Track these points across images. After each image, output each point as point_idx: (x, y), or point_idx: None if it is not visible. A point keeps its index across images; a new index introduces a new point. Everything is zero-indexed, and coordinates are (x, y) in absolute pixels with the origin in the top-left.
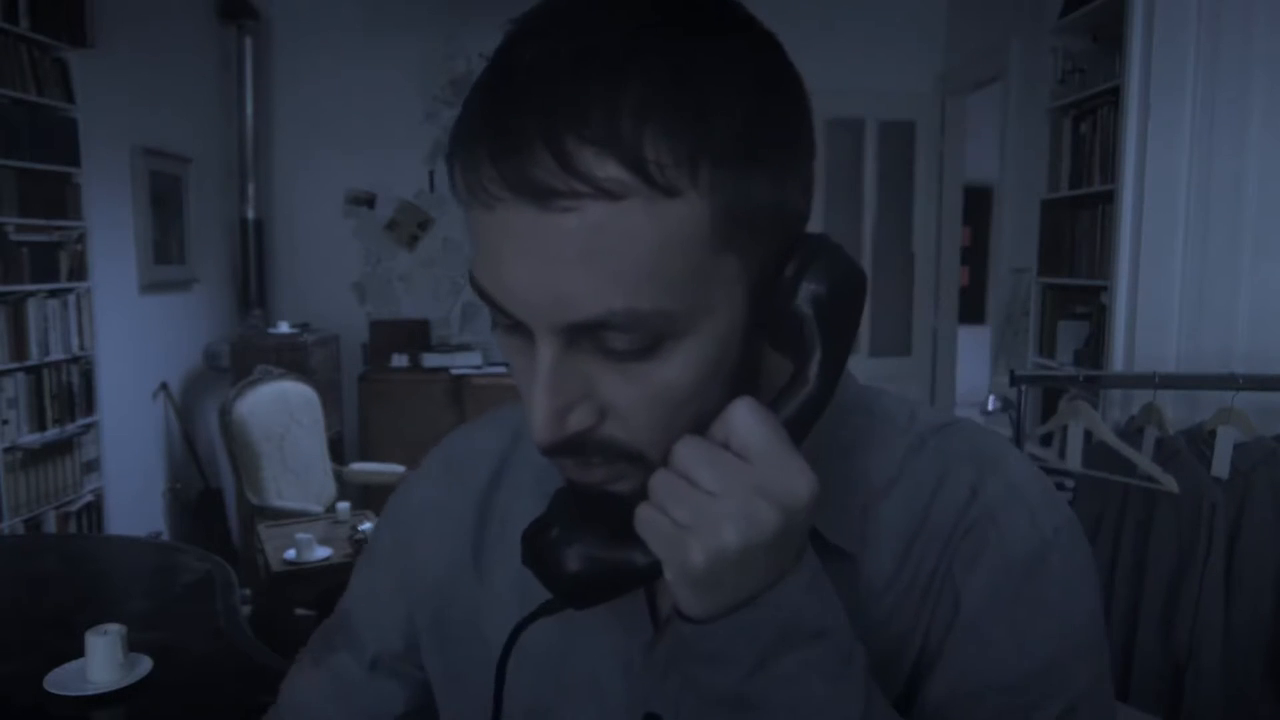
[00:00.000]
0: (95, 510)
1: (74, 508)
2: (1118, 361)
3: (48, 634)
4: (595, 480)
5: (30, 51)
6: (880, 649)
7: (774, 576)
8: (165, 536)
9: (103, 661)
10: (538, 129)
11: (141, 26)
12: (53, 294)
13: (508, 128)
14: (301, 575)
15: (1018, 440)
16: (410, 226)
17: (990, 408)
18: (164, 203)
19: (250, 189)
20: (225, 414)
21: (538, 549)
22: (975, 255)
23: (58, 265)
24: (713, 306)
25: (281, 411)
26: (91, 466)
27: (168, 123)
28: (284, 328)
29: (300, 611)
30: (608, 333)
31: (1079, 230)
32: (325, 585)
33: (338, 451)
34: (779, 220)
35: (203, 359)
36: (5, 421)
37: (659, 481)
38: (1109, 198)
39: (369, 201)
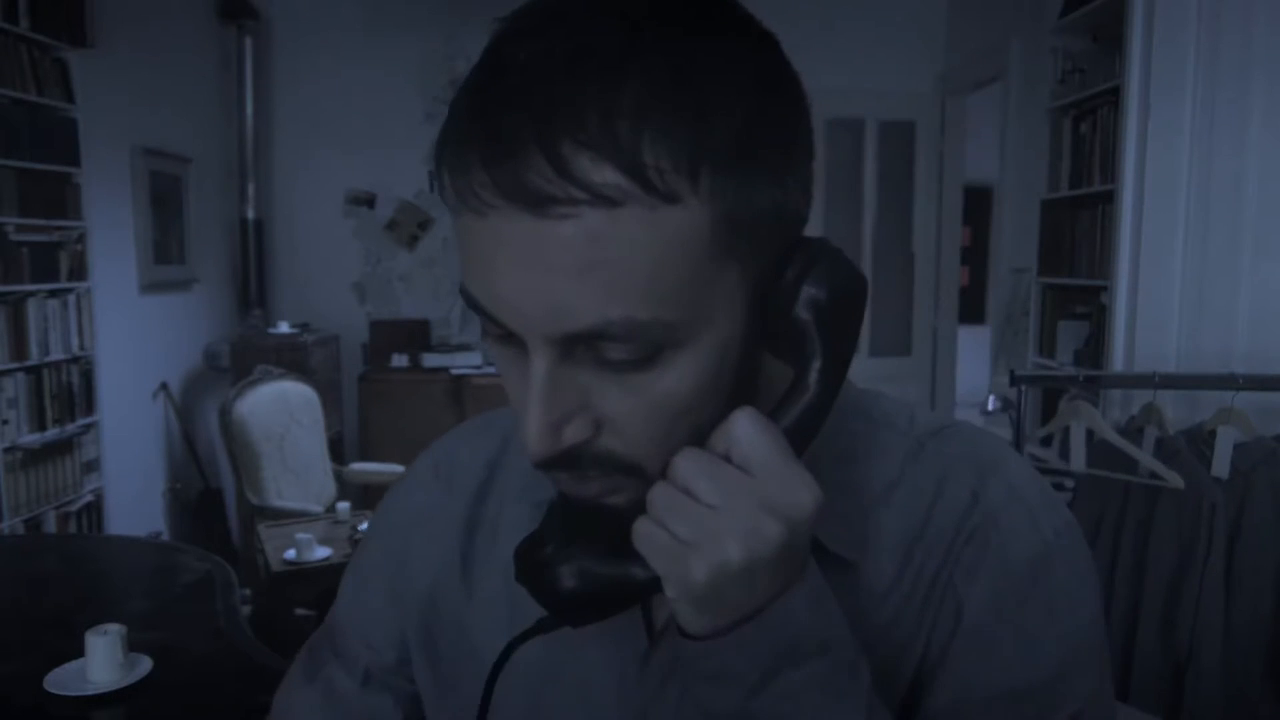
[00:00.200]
0: (95, 510)
1: (74, 508)
2: (1118, 361)
3: (48, 634)
4: (591, 494)
5: (30, 51)
6: (882, 657)
7: (777, 591)
8: (165, 536)
9: (103, 661)
10: (532, 133)
11: (141, 26)
12: (53, 294)
13: (500, 131)
14: (301, 575)
15: (1018, 440)
16: (410, 226)
17: (990, 408)
18: (164, 203)
19: (250, 189)
20: (225, 414)
21: (532, 566)
22: (975, 255)
23: (58, 265)
24: (712, 315)
25: (281, 411)
26: (91, 466)
27: (168, 123)
28: (284, 328)
29: (300, 611)
30: (605, 343)
31: (1079, 230)
32: (325, 585)
33: (338, 451)
34: (779, 225)
35: (203, 359)
36: (5, 421)
37: (658, 495)
38: (1109, 198)
39: (369, 201)
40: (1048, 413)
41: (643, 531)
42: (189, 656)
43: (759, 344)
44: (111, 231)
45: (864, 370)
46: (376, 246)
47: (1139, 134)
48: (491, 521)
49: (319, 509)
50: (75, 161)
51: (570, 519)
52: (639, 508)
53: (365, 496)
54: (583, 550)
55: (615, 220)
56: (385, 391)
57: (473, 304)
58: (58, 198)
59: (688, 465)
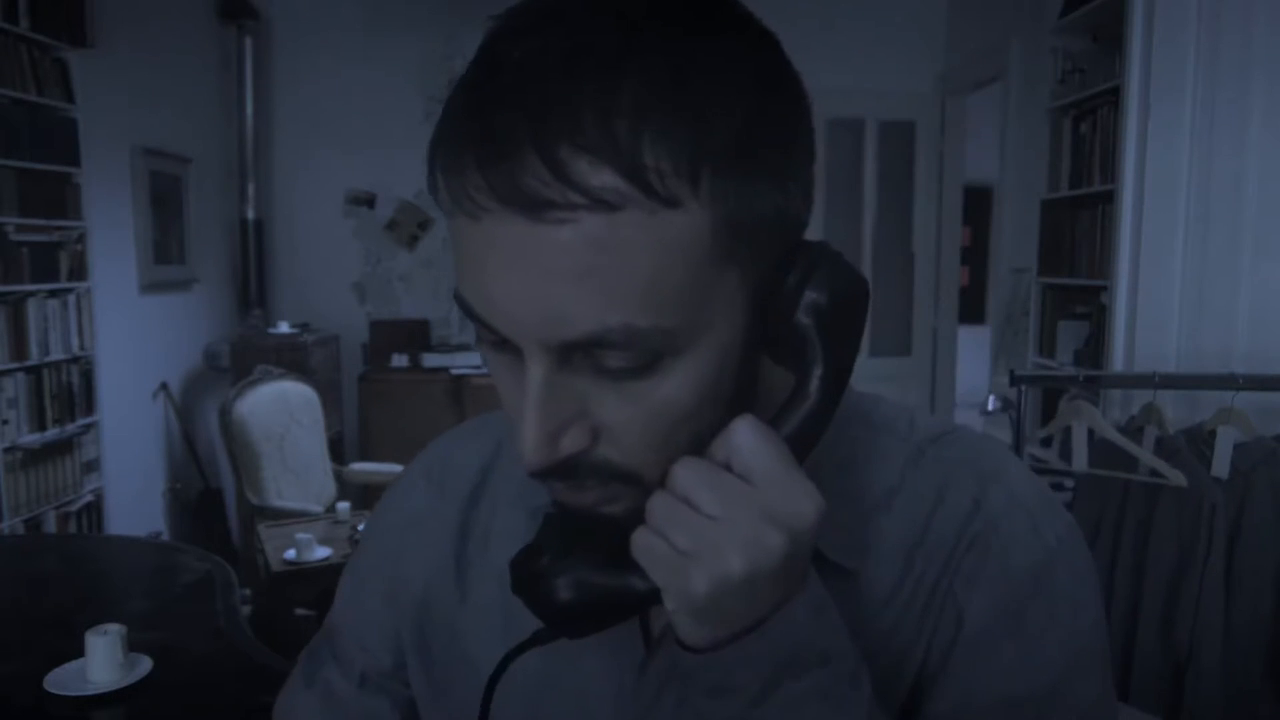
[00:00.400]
0: (95, 510)
1: (74, 508)
2: (1118, 361)
3: (48, 634)
4: (587, 502)
5: (30, 51)
6: (881, 665)
7: (778, 601)
8: (165, 536)
9: (103, 661)
10: (528, 134)
11: (141, 26)
12: (53, 294)
13: (495, 133)
14: (301, 575)
15: (1018, 440)
16: (410, 226)
17: (990, 408)
18: (164, 203)
19: (250, 189)
20: (225, 414)
21: (528, 577)
22: (975, 255)
23: (58, 265)
24: (712, 321)
25: (281, 411)
26: (91, 466)
27: (168, 123)
28: (284, 328)
29: (300, 611)
30: (603, 351)
31: (1079, 230)
32: (325, 585)
33: (338, 451)
34: (780, 229)
35: (203, 359)
36: (5, 421)
37: (658, 505)
38: (1109, 198)
39: (369, 201)
40: (1048, 413)
41: (642, 542)
42: (189, 656)
43: (758, 350)
44: (111, 231)
45: (864, 370)
46: (376, 246)
47: (1139, 134)
48: (484, 527)
49: (319, 509)
50: (75, 161)
51: (567, 528)
52: (637, 516)
53: (365, 496)
54: (580, 561)
55: (614, 225)
56: (385, 391)
57: (467, 309)
58: (58, 198)
59: (688, 475)
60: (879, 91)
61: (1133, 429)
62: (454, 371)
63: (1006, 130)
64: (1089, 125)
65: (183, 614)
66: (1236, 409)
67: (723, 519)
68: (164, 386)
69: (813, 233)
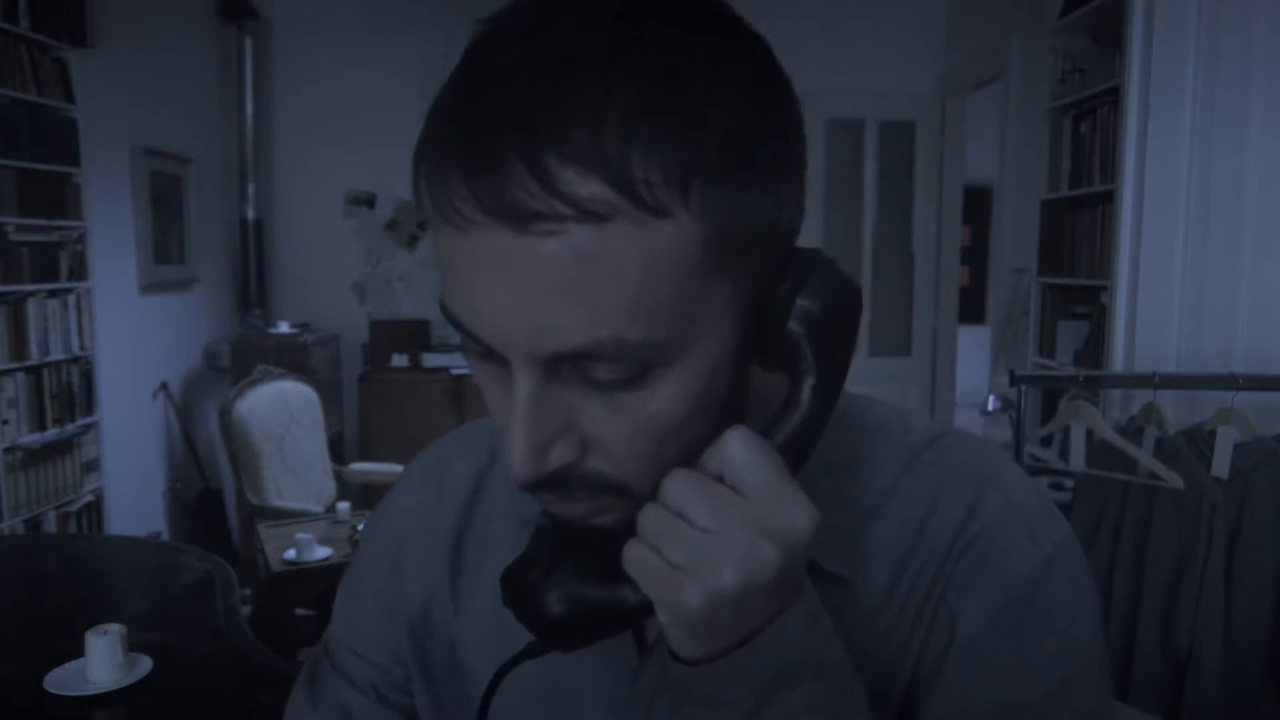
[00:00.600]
0: (95, 510)
1: (74, 508)
2: (1118, 361)
3: (48, 634)
4: (578, 514)
5: (30, 51)
6: (873, 673)
7: (772, 614)
8: (165, 536)
9: (103, 661)
10: (515, 145)
11: (141, 26)
12: (53, 294)
13: (481, 143)
14: (301, 575)
15: (1018, 440)
16: (410, 226)
17: (990, 408)
18: (164, 203)
19: (250, 189)
20: (225, 414)
21: (519, 590)
22: (975, 255)
23: (58, 265)
24: (703, 332)
25: (281, 411)
26: (91, 466)
27: (168, 123)
28: (284, 328)
29: (300, 611)
30: (592, 363)
31: (1079, 230)
32: (325, 585)
33: (338, 451)
34: (772, 238)
35: (203, 359)
36: (5, 421)
37: (650, 518)
38: (1109, 198)
39: (369, 201)
40: (1048, 413)
41: (634, 556)
42: (189, 656)
43: (750, 359)
44: (111, 231)
45: (864, 370)
46: (376, 246)
47: (1139, 134)
48: (479, 535)
49: (319, 509)
50: (75, 161)
51: (558, 540)
52: (628, 528)
53: (365, 496)
54: (571, 574)
55: (603, 236)
56: (385, 391)
57: (453, 321)
58: (58, 198)
59: (679, 487)
60: (879, 91)
61: (1133, 429)
62: (454, 371)
63: (1006, 130)
64: (1089, 125)
65: (183, 614)
66: (1236, 409)
67: (715, 532)
68: (164, 386)
69: (811, 233)
